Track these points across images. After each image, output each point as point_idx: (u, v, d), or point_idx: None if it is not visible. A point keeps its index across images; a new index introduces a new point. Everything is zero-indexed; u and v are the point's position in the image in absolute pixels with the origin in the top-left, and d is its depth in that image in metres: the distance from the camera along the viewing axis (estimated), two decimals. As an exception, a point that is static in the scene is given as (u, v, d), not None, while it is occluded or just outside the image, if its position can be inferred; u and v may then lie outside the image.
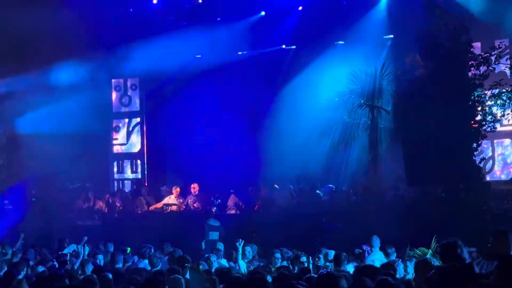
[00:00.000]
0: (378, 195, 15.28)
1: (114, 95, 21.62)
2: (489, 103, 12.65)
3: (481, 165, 13.49)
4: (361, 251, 11.25)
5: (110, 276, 8.38)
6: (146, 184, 20.35)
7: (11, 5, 16.34)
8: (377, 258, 10.82)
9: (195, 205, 17.08)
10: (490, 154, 16.87)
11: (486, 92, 12.70)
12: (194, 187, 17.58)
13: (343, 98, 16.17)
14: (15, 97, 18.25)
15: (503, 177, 16.78)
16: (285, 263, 10.84)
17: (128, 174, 21.32)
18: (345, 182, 16.95)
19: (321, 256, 10.73)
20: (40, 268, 10.62)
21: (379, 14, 17.73)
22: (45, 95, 18.20)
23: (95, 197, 18.38)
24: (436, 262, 7.87)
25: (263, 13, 19.44)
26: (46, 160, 17.45)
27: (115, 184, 21.27)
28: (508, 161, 17.10)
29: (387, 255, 11.21)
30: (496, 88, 12.69)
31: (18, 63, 18.01)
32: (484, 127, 12.64)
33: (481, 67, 12.75)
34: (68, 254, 11.32)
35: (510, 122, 14.75)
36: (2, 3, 16.19)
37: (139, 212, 17.54)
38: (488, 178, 15.80)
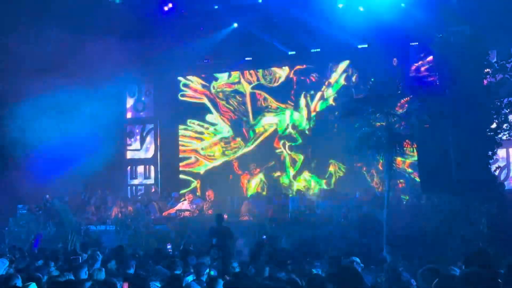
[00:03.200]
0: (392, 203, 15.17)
1: (128, 100, 21.71)
2: (505, 111, 12.53)
3: (497, 173, 13.36)
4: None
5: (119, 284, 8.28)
6: (159, 189, 20.37)
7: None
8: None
9: (209, 211, 17.05)
10: (506, 162, 16.74)
11: (502, 100, 12.59)
12: (209, 194, 17.63)
13: (358, 105, 16.09)
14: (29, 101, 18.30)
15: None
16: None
17: (142, 179, 21.37)
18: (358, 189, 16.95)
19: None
20: (55, 272, 10.58)
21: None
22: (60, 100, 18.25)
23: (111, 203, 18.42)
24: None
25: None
26: (59, 165, 17.50)
27: (129, 189, 21.32)
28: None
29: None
30: (512, 96, 12.59)
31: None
32: (500, 135, 12.51)
33: (497, 75, 12.65)
34: (80, 258, 11.28)
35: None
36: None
37: (152, 217, 17.53)
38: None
